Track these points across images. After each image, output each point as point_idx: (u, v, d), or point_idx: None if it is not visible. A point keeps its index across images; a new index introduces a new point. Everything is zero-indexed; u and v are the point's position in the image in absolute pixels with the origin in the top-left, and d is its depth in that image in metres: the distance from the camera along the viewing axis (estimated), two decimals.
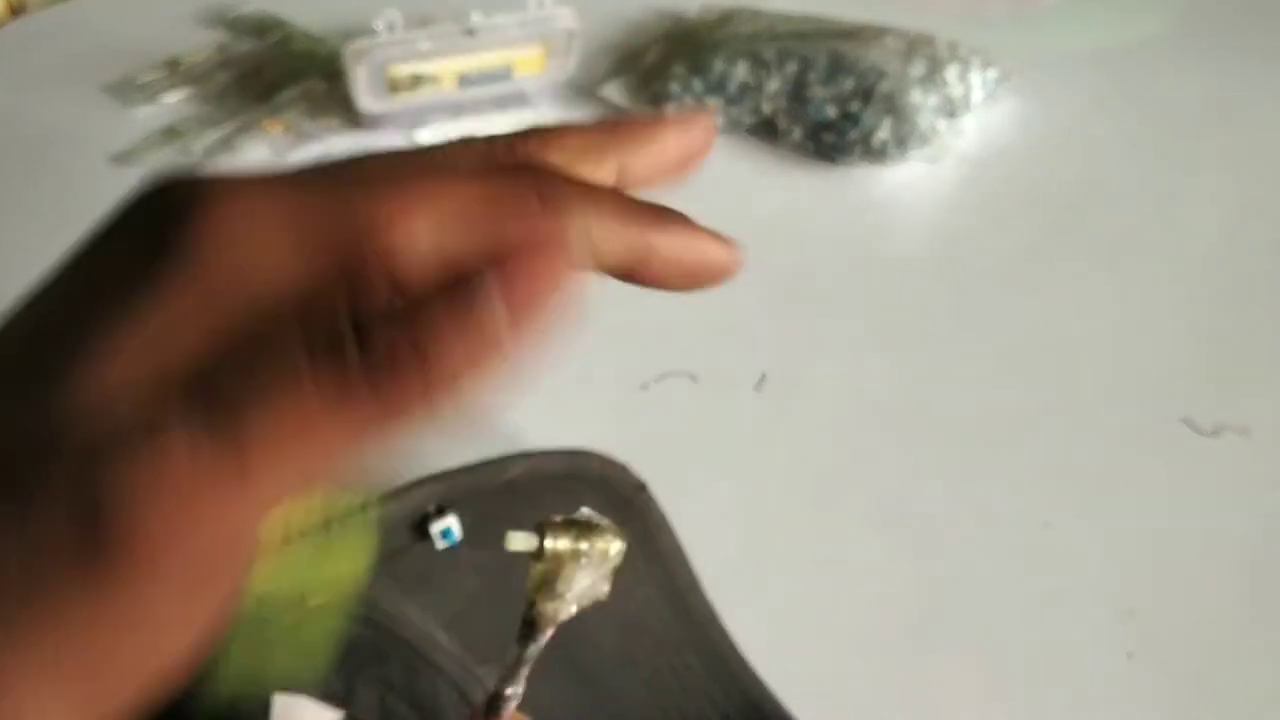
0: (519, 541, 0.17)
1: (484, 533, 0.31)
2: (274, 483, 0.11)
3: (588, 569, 0.17)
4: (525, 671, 0.19)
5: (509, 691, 0.19)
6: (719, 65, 0.58)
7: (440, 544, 0.30)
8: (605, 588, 0.18)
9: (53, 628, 0.11)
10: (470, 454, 0.32)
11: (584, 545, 0.17)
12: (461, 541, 0.31)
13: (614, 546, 0.17)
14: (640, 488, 0.34)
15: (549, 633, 0.18)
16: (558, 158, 0.14)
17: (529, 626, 0.18)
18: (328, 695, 0.28)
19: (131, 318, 0.12)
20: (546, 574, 0.17)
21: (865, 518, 0.38)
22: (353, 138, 0.59)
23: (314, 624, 0.25)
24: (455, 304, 0.12)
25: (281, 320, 0.12)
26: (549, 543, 0.17)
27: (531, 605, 0.18)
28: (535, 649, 0.18)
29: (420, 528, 0.31)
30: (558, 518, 0.17)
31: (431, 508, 0.31)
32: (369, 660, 0.28)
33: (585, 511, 0.17)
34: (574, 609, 0.17)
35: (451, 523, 0.30)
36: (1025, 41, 0.68)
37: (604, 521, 0.17)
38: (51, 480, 0.11)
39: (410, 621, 0.29)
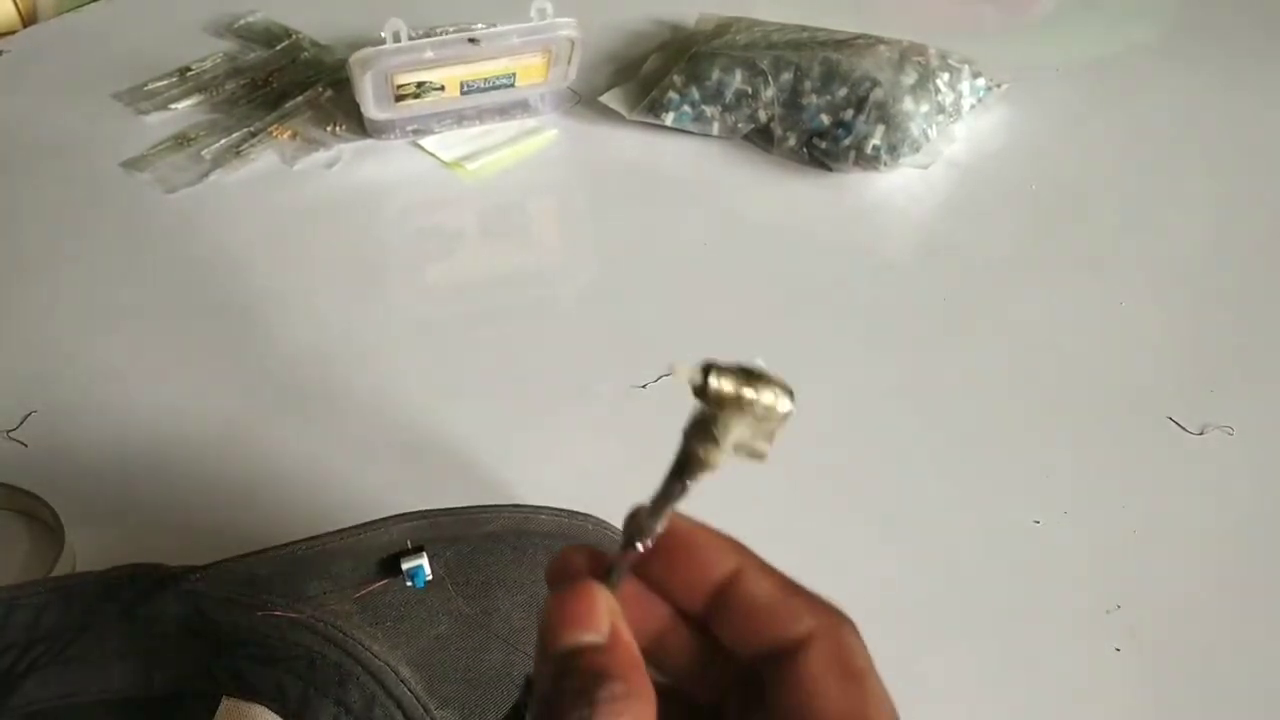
0: (684, 373, 0.15)
1: (461, 578, 0.30)
2: None
3: (748, 421, 0.15)
4: (669, 510, 0.17)
5: (654, 525, 0.17)
6: (716, 74, 0.59)
7: (407, 583, 0.29)
8: (765, 448, 0.16)
9: None
10: (456, 498, 0.31)
11: (749, 393, 0.15)
12: (435, 583, 0.29)
13: (782, 404, 0.15)
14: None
15: (700, 479, 0.16)
16: None
17: (680, 467, 0.17)
18: (281, 703, 0.28)
19: None
20: (704, 416, 0.16)
21: (857, 515, 0.39)
22: (360, 144, 0.60)
23: None
24: None
25: None
26: (713, 381, 0.15)
27: (685, 445, 0.16)
28: (682, 492, 0.17)
29: (392, 563, 0.29)
30: (726, 361, 0.15)
31: (408, 544, 0.29)
32: (329, 679, 0.28)
33: (759, 361, 0.15)
34: (726, 459, 0.16)
35: (423, 563, 0.29)
36: (1014, 50, 0.69)
37: (776, 376, 0.15)
38: None
39: (376, 651, 0.29)
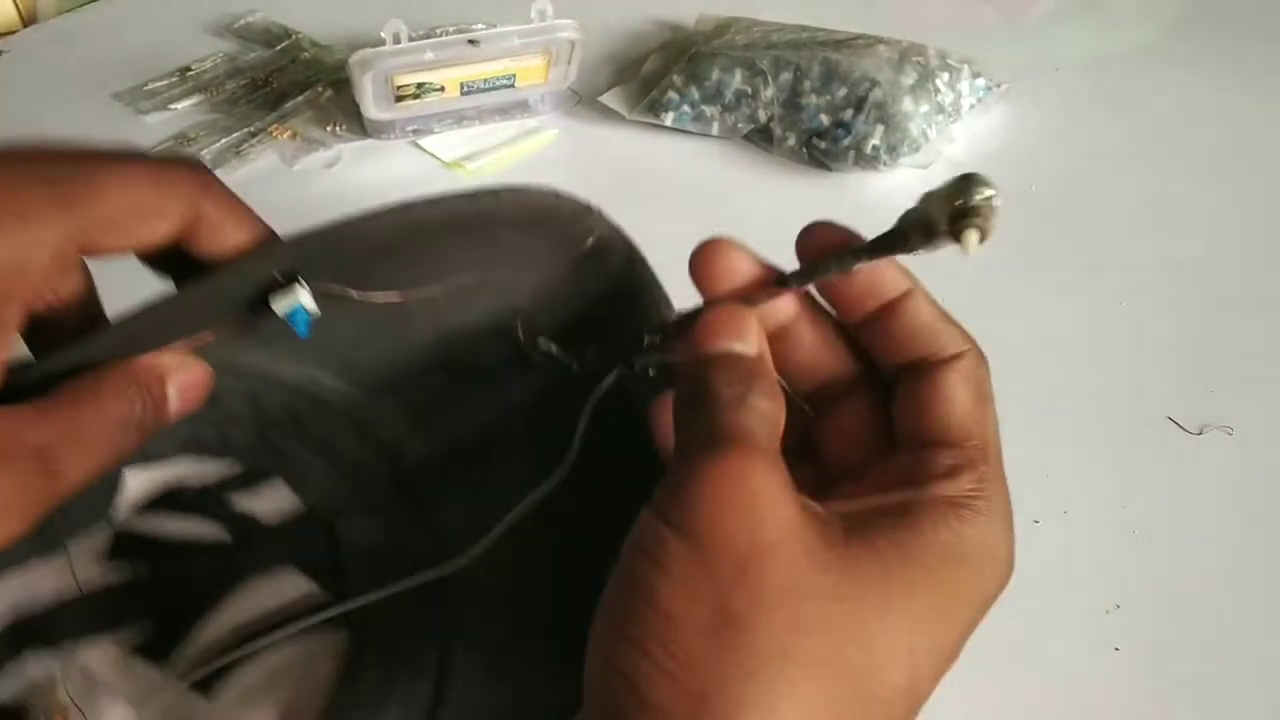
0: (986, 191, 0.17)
1: (360, 287, 0.24)
2: None
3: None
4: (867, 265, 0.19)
5: (846, 269, 0.20)
6: (715, 74, 0.59)
7: (289, 328, 0.22)
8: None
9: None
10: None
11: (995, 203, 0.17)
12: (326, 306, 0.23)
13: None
14: (586, 209, 0.27)
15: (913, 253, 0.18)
16: None
17: (903, 239, 0.18)
18: (193, 445, 0.25)
19: None
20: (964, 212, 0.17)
21: None
22: (359, 144, 0.60)
23: None
24: None
25: None
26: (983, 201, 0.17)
27: (923, 221, 0.18)
28: (889, 254, 0.19)
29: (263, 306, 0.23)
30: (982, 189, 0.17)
31: (277, 277, 0.23)
32: (240, 405, 0.24)
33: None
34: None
35: (299, 298, 0.22)
36: (1014, 50, 0.69)
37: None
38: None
39: (285, 368, 0.25)
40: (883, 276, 0.21)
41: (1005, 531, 0.19)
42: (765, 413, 0.19)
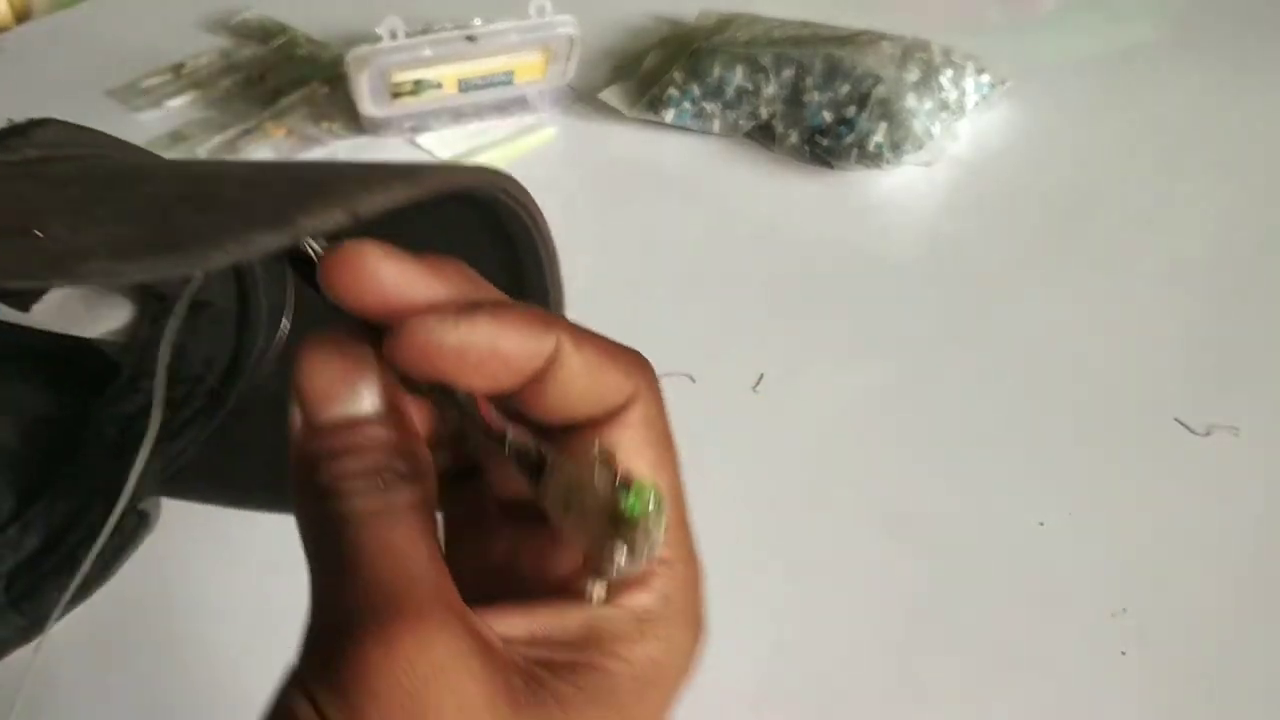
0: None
1: None
2: None
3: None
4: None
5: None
6: (716, 70, 0.59)
7: None
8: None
9: None
10: None
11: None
12: None
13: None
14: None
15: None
16: None
17: (529, 466, 0.15)
18: None
19: None
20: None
21: (861, 517, 0.39)
22: (355, 141, 0.59)
23: None
24: None
25: None
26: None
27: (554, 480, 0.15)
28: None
29: None
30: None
31: None
32: None
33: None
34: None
35: None
36: (1019, 47, 0.68)
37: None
38: None
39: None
40: (520, 348, 0.15)
41: (694, 626, 0.16)
42: (417, 513, 0.14)
